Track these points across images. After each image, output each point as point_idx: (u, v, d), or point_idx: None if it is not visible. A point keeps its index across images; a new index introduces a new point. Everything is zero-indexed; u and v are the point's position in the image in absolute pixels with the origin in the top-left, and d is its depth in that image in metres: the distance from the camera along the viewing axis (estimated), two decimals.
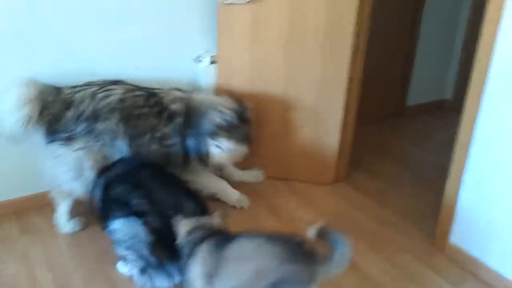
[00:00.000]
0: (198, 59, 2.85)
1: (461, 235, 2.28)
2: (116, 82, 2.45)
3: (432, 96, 4.29)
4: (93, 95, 2.34)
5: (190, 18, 2.79)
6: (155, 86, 2.56)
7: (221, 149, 2.47)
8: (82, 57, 2.57)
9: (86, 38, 2.55)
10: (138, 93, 2.44)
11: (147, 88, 2.51)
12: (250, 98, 2.72)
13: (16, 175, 2.55)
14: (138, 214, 1.94)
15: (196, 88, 2.85)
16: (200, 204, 2.04)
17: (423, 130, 3.89)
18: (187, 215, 1.85)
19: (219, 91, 2.80)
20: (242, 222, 2.51)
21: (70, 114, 2.28)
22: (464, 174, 2.21)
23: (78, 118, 2.29)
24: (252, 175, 2.98)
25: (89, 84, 2.39)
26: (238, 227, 2.38)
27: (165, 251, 1.91)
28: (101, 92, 2.37)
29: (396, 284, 2.13)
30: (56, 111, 2.28)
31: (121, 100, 2.37)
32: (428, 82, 4.18)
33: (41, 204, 2.61)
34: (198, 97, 2.54)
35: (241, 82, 2.78)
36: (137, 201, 1.96)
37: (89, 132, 2.30)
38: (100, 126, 2.31)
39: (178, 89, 2.59)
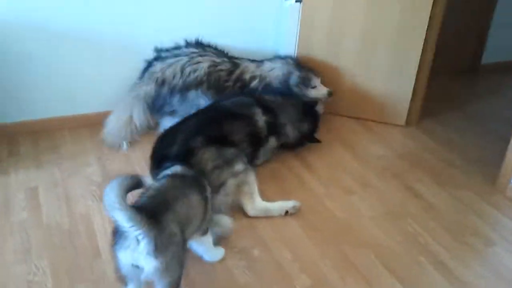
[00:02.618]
0: None
1: None
2: (201, 53, 2.84)
3: (509, 55, 4.31)
4: (182, 69, 2.76)
5: None
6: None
7: (315, 89, 2.94)
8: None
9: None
10: (221, 67, 2.84)
11: (228, 59, 2.89)
12: (331, 40, 3.04)
13: None
14: None
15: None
16: None
17: (496, 88, 3.99)
18: None
19: (302, 27, 3.08)
20: (319, 156, 2.83)
21: (164, 90, 2.76)
22: None
23: (171, 92, 2.76)
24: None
25: (177, 55, 2.80)
26: (317, 161, 2.73)
27: None
28: (189, 66, 2.77)
29: (456, 214, 2.40)
30: (153, 93, 2.78)
31: (207, 74, 2.79)
32: (506, 41, 4.19)
33: None
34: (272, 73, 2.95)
35: (323, 23, 3.04)
36: None
37: (183, 100, 2.77)
38: (191, 95, 2.75)
39: (254, 61, 2.98)
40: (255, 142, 2.54)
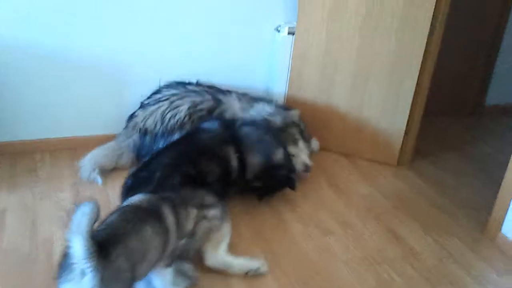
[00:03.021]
0: (277, 29, 3.08)
1: None
2: (182, 95, 2.82)
3: None
4: (162, 116, 2.76)
5: None
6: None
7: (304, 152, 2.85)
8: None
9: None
10: (201, 106, 2.80)
11: (212, 95, 2.85)
12: (323, 75, 2.99)
13: None
14: None
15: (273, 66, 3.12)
16: None
17: (497, 130, 3.86)
18: None
19: (294, 60, 3.04)
20: (303, 192, 2.72)
21: (147, 139, 2.75)
22: None
23: (154, 139, 2.74)
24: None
25: (158, 101, 2.80)
26: (300, 198, 2.62)
27: None
28: (169, 112, 2.77)
29: (437, 262, 2.26)
30: (138, 143, 2.77)
31: (188, 115, 2.76)
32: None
33: None
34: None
35: (315, 57, 2.99)
36: None
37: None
38: (175, 138, 2.71)
39: (242, 97, 2.92)
40: (229, 180, 2.44)
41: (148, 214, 1.75)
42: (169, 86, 2.91)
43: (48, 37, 2.69)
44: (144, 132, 2.78)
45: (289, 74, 3.12)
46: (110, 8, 2.74)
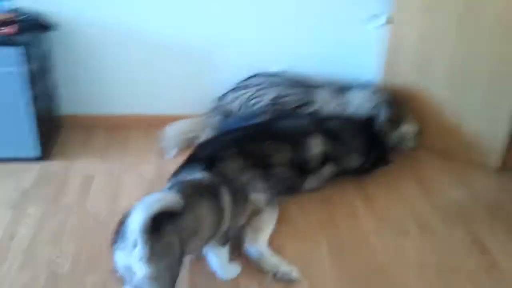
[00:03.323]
0: (372, 18, 2.89)
1: None
2: (270, 85, 2.82)
3: None
4: (247, 101, 2.78)
5: None
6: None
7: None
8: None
9: None
10: (287, 99, 2.78)
11: (304, 88, 2.81)
12: (419, 67, 2.78)
13: None
14: None
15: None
16: None
17: None
18: None
19: (389, 51, 2.86)
20: (384, 187, 2.57)
21: (230, 120, 2.78)
22: None
23: (236, 121, 2.74)
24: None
25: (246, 86, 2.83)
26: (379, 193, 2.49)
27: None
28: (254, 98, 2.78)
29: None
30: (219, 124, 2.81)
31: (271, 104, 2.75)
32: None
33: None
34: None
35: (411, 48, 2.79)
36: None
37: None
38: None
39: (335, 89, 2.84)
40: (301, 169, 2.38)
41: (205, 194, 1.76)
42: (259, 74, 2.93)
43: (144, 22, 2.85)
44: (228, 114, 2.82)
45: (382, 66, 2.94)
46: None
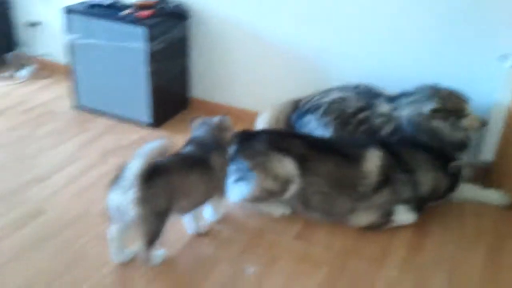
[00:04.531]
0: (502, 58, 2.49)
1: None
2: (356, 98, 2.66)
3: None
4: (327, 107, 2.68)
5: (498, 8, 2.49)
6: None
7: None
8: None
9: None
10: (347, 103, 2.64)
11: (370, 98, 2.64)
12: None
13: None
14: None
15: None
16: None
17: None
18: None
19: None
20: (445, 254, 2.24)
21: (305, 118, 2.77)
22: None
23: (309, 121, 2.74)
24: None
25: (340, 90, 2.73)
26: (433, 260, 2.19)
27: None
28: (336, 104, 2.67)
29: None
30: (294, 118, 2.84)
31: (329, 103, 2.68)
32: None
33: None
34: None
35: None
36: None
37: (301, 121, 2.79)
38: (307, 117, 2.74)
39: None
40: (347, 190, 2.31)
41: (198, 161, 2.04)
42: (353, 87, 2.77)
43: (261, 23, 3.04)
44: (305, 111, 2.78)
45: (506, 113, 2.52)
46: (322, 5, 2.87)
